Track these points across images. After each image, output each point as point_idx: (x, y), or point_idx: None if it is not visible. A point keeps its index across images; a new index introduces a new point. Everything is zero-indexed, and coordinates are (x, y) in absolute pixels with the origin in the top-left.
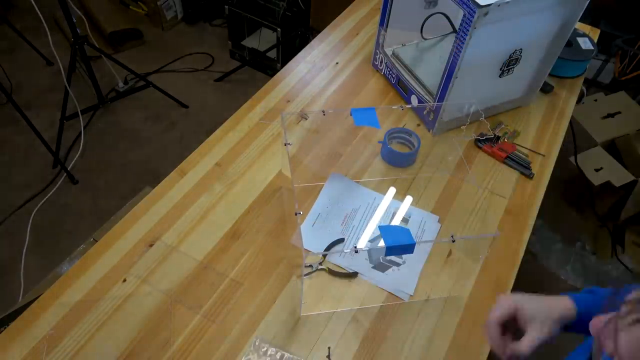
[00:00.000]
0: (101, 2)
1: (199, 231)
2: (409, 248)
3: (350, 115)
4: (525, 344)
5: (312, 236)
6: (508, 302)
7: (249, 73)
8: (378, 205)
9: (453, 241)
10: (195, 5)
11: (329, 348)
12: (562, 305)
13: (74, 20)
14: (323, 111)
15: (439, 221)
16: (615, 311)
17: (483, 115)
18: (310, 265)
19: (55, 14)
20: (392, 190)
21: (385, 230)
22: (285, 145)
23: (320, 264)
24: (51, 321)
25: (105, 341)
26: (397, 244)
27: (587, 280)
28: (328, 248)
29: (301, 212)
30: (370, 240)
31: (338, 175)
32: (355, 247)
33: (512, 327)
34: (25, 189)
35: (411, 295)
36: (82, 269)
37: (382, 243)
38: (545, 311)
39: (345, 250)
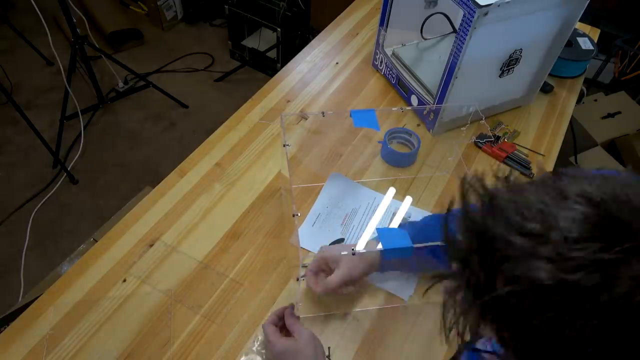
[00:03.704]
0: (101, 2)
1: (199, 231)
2: (406, 251)
3: (350, 117)
4: (331, 278)
5: (312, 236)
6: (317, 257)
7: (249, 73)
8: (378, 205)
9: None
10: (195, 5)
11: (329, 348)
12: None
13: (74, 20)
14: (322, 113)
15: None
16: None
17: (483, 118)
18: (306, 266)
19: (55, 14)
20: (392, 191)
21: (383, 233)
22: (284, 146)
23: None
24: (51, 321)
25: (105, 341)
26: (395, 247)
27: None
28: None
29: (299, 214)
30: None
31: (338, 175)
32: (353, 249)
33: (326, 273)
34: (25, 189)
35: (411, 296)
36: (82, 269)
37: (380, 246)
38: (348, 255)
39: (343, 253)
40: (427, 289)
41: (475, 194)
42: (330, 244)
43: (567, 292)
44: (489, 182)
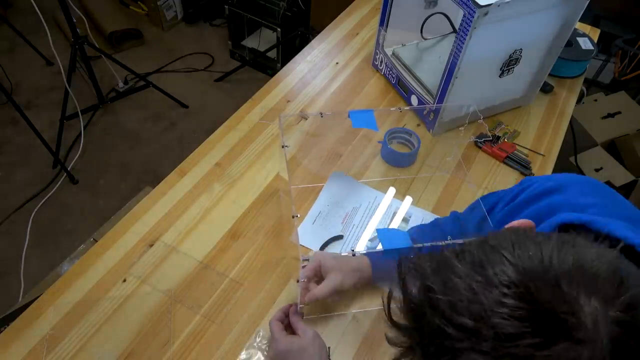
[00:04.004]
0: (101, 2)
1: (199, 231)
2: (406, 251)
3: (348, 117)
4: (319, 289)
5: (312, 234)
6: (313, 261)
7: (249, 73)
8: (379, 204)
9: (449, 245)
10: (195, 5)
11: (328, 348)
12: (356, 260)
13: (74, 20)
14: (321, 113)
15: None
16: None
17: (481, 118)
18: (307, 259)
19: (55, 14)
20: (392, 190)
21: (382, 233)
22: (282, 147)
23: None
24: (51, 321)
25: (105, 341)
26: (394, 248)
27: None
28: (326, 244)
29: (298, 215)
30: (370, 240)
31: (340, 174)
32: (353, 250)
33: (319, 278)
34: (25, 189)
35: None
36: (82, 269)
37: (380, 246)
38: (339, 265)
39: (342, 254)
40: None
41: (412, 279)
42: (327, 241)
43: None
44: (421, 263)
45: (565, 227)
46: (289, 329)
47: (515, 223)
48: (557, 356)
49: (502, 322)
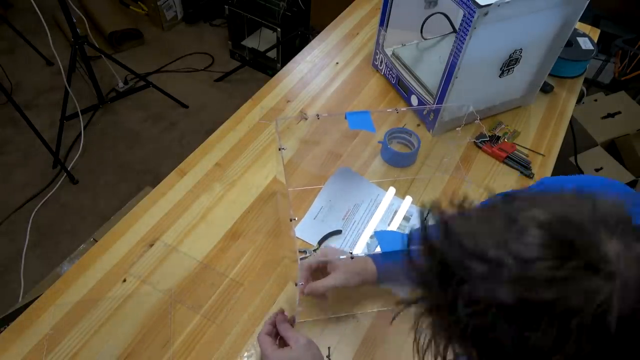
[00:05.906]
0: (101, 2)
1: (199, 231)
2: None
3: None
4: (322, 282)
5: (312, 229)
6: (320, 254)
7: (249, 73)
8: (381, 202)
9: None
10: (195, 5)
11: (328, 348)
12: (362, 262)
13: (74, 20)
14: (317, 115)
15: None
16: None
17: (478, 118)
18: (304, 251)
19: (55, 14)
20: (392, 190)
21: (380, 235)
22: (279, 150)
23: (315, 250)
24: (51, 321)
25: (105, 341)
26: (393, 250)
27: None
28: (324, 238)
29: (296, 218)
30: (371, 237)
31: (346, 169)
32: (352, 253)
33: (323, 273)
34: (25, 189)
35: None
36: (82, 269)
37: (378, 248)
38: (346, 264)
39: (341, 257)
40: (394, 317)
41: (434, 220)
42: (326, 235)
43: (526, 309)
44: (446, 207)
45: None
46: (282, 339)
47: None
48: (574, 275)
49: (523, 248)
